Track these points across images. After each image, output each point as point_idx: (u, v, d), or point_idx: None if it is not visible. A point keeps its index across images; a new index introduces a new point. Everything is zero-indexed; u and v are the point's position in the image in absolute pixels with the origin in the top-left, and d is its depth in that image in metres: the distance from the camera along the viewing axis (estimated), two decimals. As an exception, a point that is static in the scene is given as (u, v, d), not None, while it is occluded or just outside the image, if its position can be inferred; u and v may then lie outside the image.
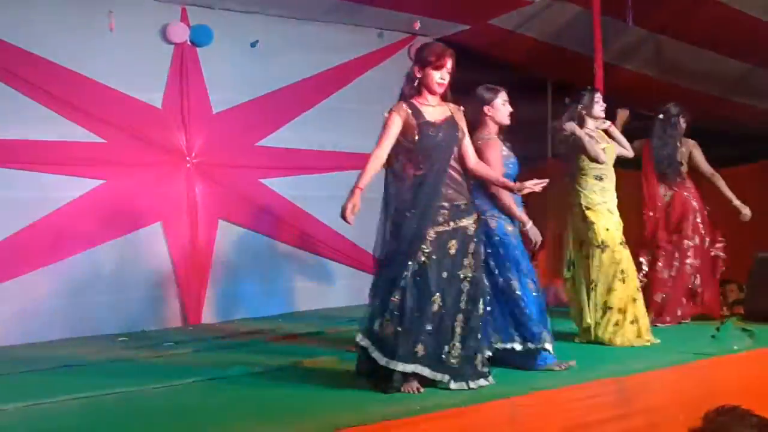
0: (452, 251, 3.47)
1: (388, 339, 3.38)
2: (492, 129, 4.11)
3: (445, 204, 3.50)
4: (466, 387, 3.42)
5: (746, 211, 5.44)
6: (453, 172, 3.57)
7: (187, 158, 6.30)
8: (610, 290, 4.53)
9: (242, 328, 5.85)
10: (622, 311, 4.54)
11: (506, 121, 4.13)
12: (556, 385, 3.44)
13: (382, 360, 3.38)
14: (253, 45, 6.61)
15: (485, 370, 3.54)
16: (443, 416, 3.03)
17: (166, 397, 3.61)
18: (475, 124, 4.02)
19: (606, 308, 4.52)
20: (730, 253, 5.55)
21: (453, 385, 3.42)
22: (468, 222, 3.55)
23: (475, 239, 3.56)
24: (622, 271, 4.57)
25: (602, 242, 4.56)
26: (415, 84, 3.59)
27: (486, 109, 4.11)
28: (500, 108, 4.11)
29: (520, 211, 4.07)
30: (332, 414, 3.08)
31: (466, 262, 3.49)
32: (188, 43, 6.31)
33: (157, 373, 4.11)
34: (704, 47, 7.03)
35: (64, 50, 5.77)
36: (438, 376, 3.42)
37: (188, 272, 6.24)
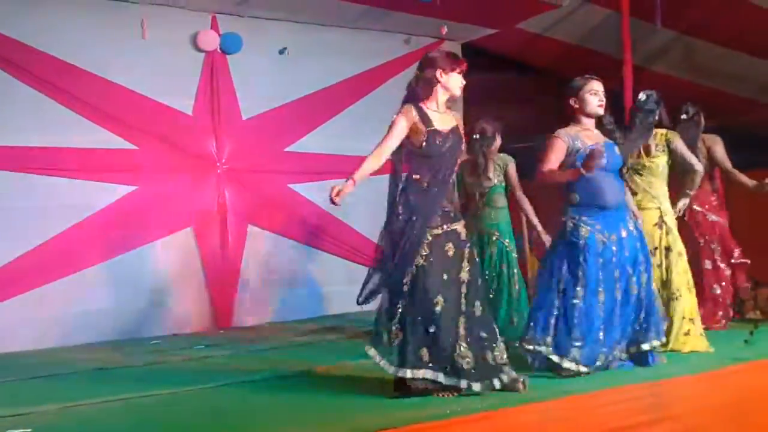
0: (450, 253, 3.48)
1: (396, 347, 3.39)
2: (583, 122, 3.92)
3: (438, 210, 3.51)
4: (491, 387, 3.34)
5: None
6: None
7: (217, 164, 6.38)
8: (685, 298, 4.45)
9: (272, 332, 5.90)
10: (692, 320, 4.44)
11: (596, 111, 3.91)
12: (587, 390, 3.42)
13: (390, 369, 3.39)
14: (281, 52, 6.68)
15: (503, 362, 3.44)
16: (472, 420, 3.02)
17: (197, 401, 3.66)
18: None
19: (682, 317, 4.43)
20: (762, 255, 5.44)
21: (476, 387, 3.32)
22: (459, 226, 3.56)
23: (468, 243, 3.57)
24: (688, 281, 4.50)
25: (681, 250, 4.51)
26: (435, 87, 3.53)
27: (572, 101, 3.94)
28: (588, 99, 3.89)
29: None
30: (360, 418, 3.09)
31: (463, 265, 3.49)
32: (218, 50, 6.40)
33: (189, 376, 4.17)
34: (734, 48, 6.95)
35: (97, 59, 5.89)
36: (454, 381, 3.34)
37: (218, 277, 6.31)
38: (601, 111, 3.95)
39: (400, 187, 3.53)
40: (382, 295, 3.51)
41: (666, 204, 4.59)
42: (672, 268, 4.47)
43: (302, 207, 6.74)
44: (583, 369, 3.71)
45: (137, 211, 5.98)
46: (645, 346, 3.92)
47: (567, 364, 3.71)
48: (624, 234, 3.90)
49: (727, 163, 5.31)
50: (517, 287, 4.90)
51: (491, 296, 4.77)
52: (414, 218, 3.44)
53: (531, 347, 3.82)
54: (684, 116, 5.21)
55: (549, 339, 3.79)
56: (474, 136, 4.93)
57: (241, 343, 5.40)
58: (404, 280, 3.40)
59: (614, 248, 3.84)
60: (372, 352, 3.47)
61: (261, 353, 4.99)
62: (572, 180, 3.80)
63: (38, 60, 5.67)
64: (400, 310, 3.41)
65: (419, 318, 3.38)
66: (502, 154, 5.05)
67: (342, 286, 6.90)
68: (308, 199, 6.77)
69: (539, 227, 4.98)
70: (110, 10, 5.97)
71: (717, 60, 7.18)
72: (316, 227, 6.82)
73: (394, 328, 3.40)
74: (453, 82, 3.55)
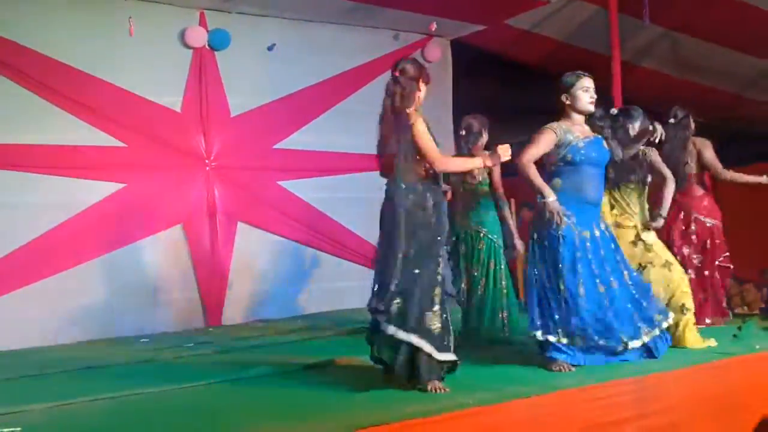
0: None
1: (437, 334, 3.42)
2: (574, 117, 3.95)
3: None
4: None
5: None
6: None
7: (206, 161, 6.36)
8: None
9: (262, 330, 5.89)
10: (685, 311, 4.38)
11: (588, 108, 3.92)
12: (576, 385, 3.44)
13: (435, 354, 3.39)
14: (270, 48, 6.66)
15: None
16: (463, 415, 3.04)
17: (187, 398, 3.65)
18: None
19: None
20: (746, 252, 5.45)
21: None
22: None
23: None
24: (685, 286, 4.48)
25: (669, 259, 4.49)
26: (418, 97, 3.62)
27: (564, 97, 3.94)
28: (579, 95, 3.90)
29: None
30: (351, 413, 3.10)
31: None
32: (206, 47, 6.38)
33: (179, 374, 4.16)
34: (720, 44, 6.99)
35: (85, 56, 5.87)
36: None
37: (208, 274, 6.31)
38: (592, 108, 3.97)
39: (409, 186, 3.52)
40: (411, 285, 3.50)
41: (643, 220, 4.55)
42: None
43: (292, 204, 6.74)
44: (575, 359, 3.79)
45: (126, 209, 5.97)
46: (656, 331, 3.92)
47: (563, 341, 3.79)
48: (597, 233, 3.93)
49: (718, 166, 5.26)
50: (504, 282, 4.89)
51: (480, 292, 4.79)
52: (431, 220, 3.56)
53: (540, 337, 3.84)
54: (672, 120, 5.17)
55: (551, 327, 3.83)
56: (460, 133, 4.91)
57: (230, 341, 5.39)
58: (439, 269, 3.49)
59: (588, 244, 3.87)
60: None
61: (251, 350, 4.99)
62: (540, 193, 3.84)
63: (26, 57, 5.65)
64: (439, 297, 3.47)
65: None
66: (487, 152, 5.01)
67: (331, 283, 6.92)
68: (297, 195, 6.77)
69: (513, 227, 4.97)
70: (98, 7, 5.95)
71: (704, 56, 7.21)
72: (305, 224, 6.82)
73: (435, 314, 3.45)
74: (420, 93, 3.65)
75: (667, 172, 4.58)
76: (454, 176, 4.92)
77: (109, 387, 3.81)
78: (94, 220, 5.86)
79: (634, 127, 4.51)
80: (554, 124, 3.97)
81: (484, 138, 4.99)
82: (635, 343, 3.88)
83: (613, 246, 4.00)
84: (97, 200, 5.89)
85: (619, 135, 4.32)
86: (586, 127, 4.04)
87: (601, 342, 3.83)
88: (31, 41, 5.68)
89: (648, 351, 3.96)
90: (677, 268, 4.47)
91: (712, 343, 4.36)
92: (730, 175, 5.25)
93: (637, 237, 4.48)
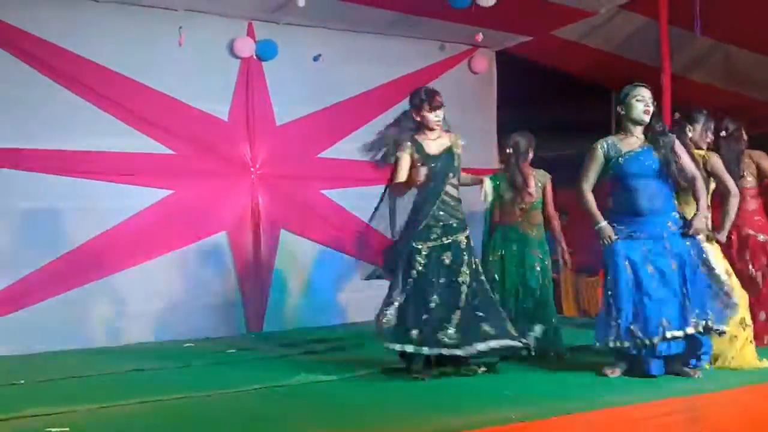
0: (447, 261, 4.07)
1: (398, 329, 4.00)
2: (630, 128, 3.99)
3: (439, 223, 4.12)
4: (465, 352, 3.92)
5: None
6: (446, 197, 4.15)
7: (252, 169, 6.42)
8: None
9: (303, 338, 5.91)
10: (743, 326, 4.27)
11: (641, 117, 3.95)
12: (626, 402, 3.36)
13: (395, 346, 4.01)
14: (315, 59, 6.71)
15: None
16: (508, 430, 2.99)
17: (229, 403, 3.67)
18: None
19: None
20: None
21: (457, 351, 3.92)
22: (461, 236, 4.13)
23: (466, 251, 4.11)
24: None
25: (726, 268, 4.41)
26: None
27: (619, 107, 4.04)
28: (633, 104, 3.96)
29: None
30: (389, 425, 3.09)
31: (463, 269, 4.06)
32: (254, 57, 6.46)
33: (222, 379, 4.20)
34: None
35: (136, 65, 5.98)
36: (435, 351, 3.95)
37: (251, 281, 6.35)
38: (646, 117, 3.97)
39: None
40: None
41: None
42: None
43: (335, 213, 6.76)
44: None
45: (173, 215, 6.05)
46: (689, 329, 3.83)
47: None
48: (664, 235, 3.90)
49: None
50: (550, 298, 4.94)
51: (525, 306, 4.85)
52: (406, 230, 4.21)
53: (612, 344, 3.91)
54: (724, 133, 5.05)
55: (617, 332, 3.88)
56: (507, 151, 4.95)
57: (272, 348, 5.41)
58: (407, 281, 4.06)
59: (644, 248, 3.89)
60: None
61: (292, 358, 5.00)
62: (594, 220, 4.03)
63: (80, 66, 5.79)
64: (402, 304, 4.06)
65: (414, 308, 4.03)
66: (541, 171, 5.01)
67: (373, 292, 6.88)
68: (341, 205, 6.78)
69: (564, 245, 5.14)
70: (149, 17, 6.06)
71: (756, 68, 7.04)
72: (348, 233, 6.81)
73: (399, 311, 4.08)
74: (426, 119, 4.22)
75: (730, 183, 4.43)
76: (507, 194, 4.96)
77: (154, 390, 3.87)
78: (142, 225, 5.95)
79: (695, 129, 4.43)
80: (602, 140, 4.05)
81: (530, 155, 4.98)
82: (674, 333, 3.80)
83: (683, 248, 3.92)
84: (146, 206, 5.98)
85: (682, 139, 4.25)
86: (640, 137, 4.00)
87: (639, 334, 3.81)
88: (85, 50, 5.81)
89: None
90: (736, 280, 4.36)
91: (767, 363, 4.23)
92: None
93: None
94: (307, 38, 6.72)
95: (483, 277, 4.19)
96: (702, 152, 4.44)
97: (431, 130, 4.19)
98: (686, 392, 3.56)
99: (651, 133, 3.99)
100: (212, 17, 6.29)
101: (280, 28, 6.57)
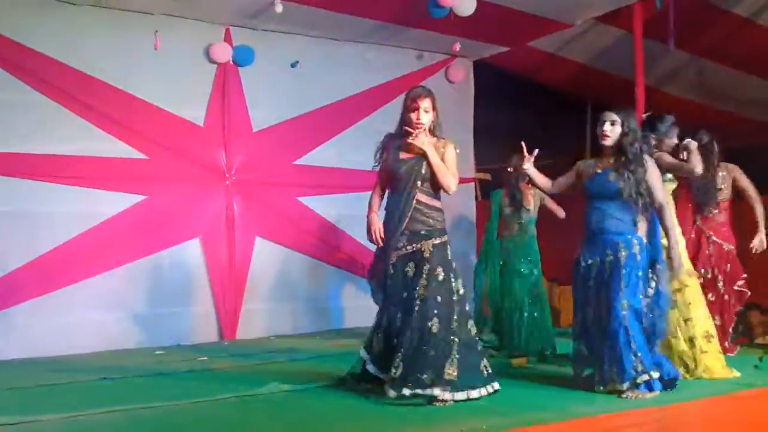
0: (410, 273, 3.87)
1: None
2: (605, 150, 4.12)
3: (406, 231, 3.90)
4: (408, 393, 3.60)
5: (756, 242, 5.23)
6: (418, 204, 3.92)
7: (227, 175, 6.38)
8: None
9: (277, 345, 5.87)
10: (708, 338, 4.38)
11: (600, 142, 4.11)
12: (596, 413, 3.38)
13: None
14: (293, 65, 6.70)
15: (448, 379, 3.64)
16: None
17: (200, 412, 3.63)
18: None
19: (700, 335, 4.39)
20: (756, 277, 5.37)
21: (391, 393, 3.63)
22: (425, 245, 3.87)
23: (428, 262, 3.83)
24: (701, 300, 4.53)
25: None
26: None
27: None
28: (598, 129, 4.15)
29: None
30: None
31: (420, 281, 3.81)
32: (231, 62, 6.42)
33: (193, 387, 4.15)
34: (746, 71, 6.92)
35: (111, 69, 5.92)
36: (384, 377, 3.78)
37: (225, 288, 6.30)
38: (603, 142, 4.11)
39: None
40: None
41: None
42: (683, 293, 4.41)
43: (310, 220, 6.74)
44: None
45: (146, 221, 5.99)
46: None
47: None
48: (608, 258, 3.98)
49: (753, 192, 5.26)
50: (543, 309, 5.43)
51: (518, 317, 5.34)
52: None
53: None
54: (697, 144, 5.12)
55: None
56: (509, 170, 5.36)
57: (245, 356, 5.37)
58: (380, 293, 4.00)
59: (593, 272, 4.02)
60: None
61: (265, 366, 4.96)
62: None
63: (52, 69, 5.71)
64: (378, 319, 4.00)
65: (383, 328, 3.95)
66: (538, 189, 5.27)
67: (348, 300, 6.89)
68: (316, 212, 6.76)
69: None
70: (125, 20, 6.00)
71: (729, 83, 7.15)
72: (323, 241, 6.80)
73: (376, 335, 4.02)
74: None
75: (754, 192, 5.03)
76: (507, 209, 5.50)
77: (122, 399, 3.81)
78: (114, 231, 5.88)
79: (658, 136, 4.59)
80: (583, 161, 4.32)
81: None
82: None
83: (618, 272, 3.93)
84: (118, 211, 5.91)
85: (645, 147, 4.32)
86: (611, 160, 4.13)
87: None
88: (57, 53, 5.74)
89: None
90: (702, 298, 4.46)
91: (736, 373, 4.29)
92: (757, 207, 5.22)
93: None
94: (284, 45, 6.70)
95: (451, 287, 3.83)
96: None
97: (412, 130, 3.93)
98: (657, 402, 3.59)
99: (624, 157, 4.03)
100: (189, 22, 6.25)
101: (257, 34, 6.55)
